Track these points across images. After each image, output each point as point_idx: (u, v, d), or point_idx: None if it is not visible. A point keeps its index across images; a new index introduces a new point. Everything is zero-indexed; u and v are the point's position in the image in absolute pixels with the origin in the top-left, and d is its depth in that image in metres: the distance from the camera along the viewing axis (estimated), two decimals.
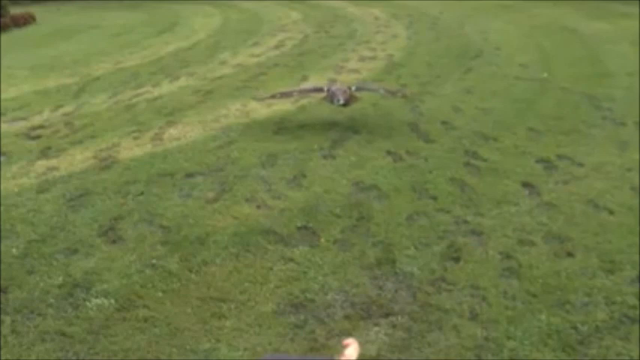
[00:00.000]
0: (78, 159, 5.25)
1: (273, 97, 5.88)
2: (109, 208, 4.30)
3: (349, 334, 2.82)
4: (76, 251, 3.73)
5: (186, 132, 5.83)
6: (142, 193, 4.49)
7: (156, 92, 7.45)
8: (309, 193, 4.41)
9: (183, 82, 7.95)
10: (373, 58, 8.89)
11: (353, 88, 5.68)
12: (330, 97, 5.51)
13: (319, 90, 5.82)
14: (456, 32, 10.84)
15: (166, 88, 7.67)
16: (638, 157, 4.93)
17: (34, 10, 15.08)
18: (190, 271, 3.48)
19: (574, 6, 12.89)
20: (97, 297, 3.26)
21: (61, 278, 3.44)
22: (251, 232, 3.86)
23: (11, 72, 8.82)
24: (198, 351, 2.87)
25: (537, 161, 4.94)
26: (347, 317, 3.07)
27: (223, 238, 3.80)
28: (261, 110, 6.36)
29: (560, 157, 5.03)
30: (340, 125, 5.78)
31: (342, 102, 5.45)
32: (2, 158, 5.36)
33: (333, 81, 7.60)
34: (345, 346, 1.53)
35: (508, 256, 3.56)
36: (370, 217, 4.03)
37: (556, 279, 3.34)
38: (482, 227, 3.89)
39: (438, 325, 3.00)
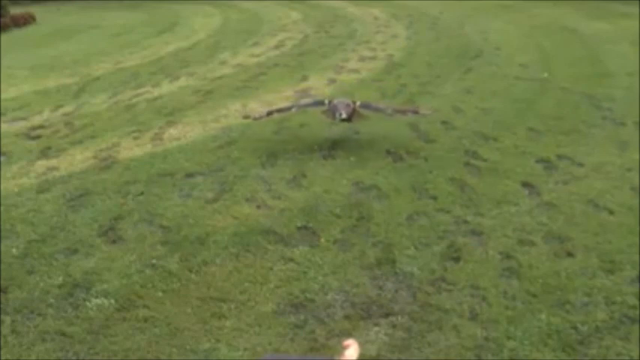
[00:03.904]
0: (78, 159, 5.25)
1: (270, 114, 5.45)
2: (109, 208, 4.29)
3: (349, 334, 2.82)
4: (76, 251, 3.73)
5: (186, 132, 5.83)
6: (142, 193, 4.49)
7: (156, 92, 7.45)
8: (309, 193, 4.41)
9: (183, 82, 7.95)
10: (373, 58, 8.89)
11: (357, 103, 5.25)
12: (332, 111, 5.14)
13: (320, 104, 5.44)
14: (456, 32, 10.84)
15: (166, 88, 7.68)
16: (638, 157, 4.93)
17: (34, 10, 15.07)
18: (190, 271, 3.48)
19: (574, 6, 12.89)
20: (97, 297, 3.26)
21: (61, 278, 3.44)
22: (251, 232, 3.86)
23: (11, 72, 8.82)
24: (198, 351, 2.87)
25: (537, 161, 4.94)
26: (347, 317, 3.07)
27: (223, 238, 3.80)
28: (261, 110, 6.35)
29: (560, 157, 5.03)
30: (340, 125, 5.77)
31: (344, 116, 5.04)
32: (2, 158, 5.36)
33: (333, 80, 7.63)
34: (345, 347, 1.53)
35: (508, 256, 3.56)
36: (370, 217, 4.03)
37: (556, 279, 3.34)
38: (483, 227, 3.89)
39: (438, 325, 2.99)
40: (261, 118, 5.37)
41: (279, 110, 5.48)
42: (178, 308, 3.17)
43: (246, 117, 5.58)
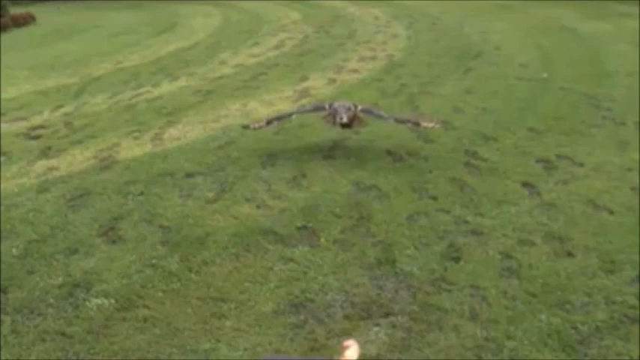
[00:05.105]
0: (78, 159, 5.25)
1: (269, 122, 5.28)
2: (109, 208, 4.30)
3: (349, 334, 2.83)
4: (76, 251, 3.73)
5: (186, 132, 5.83)
6: (142, 193, 4.49)
7: (156, 92, 7.45)
8: (309, 193, 4.41)
9: (183, 82, 7.95)
10: (373, 58, 8.89)
11: (359, 107, 5.08)
12: (332, 115, 5.03)
13: (320, 108, 5.31)
14: (455, 32, 10.84)
15: (166, 88, 7.68)
16: (638, 157, 4.93)
17: (34, 10, 15.09)
18: (190, 271, 3.48)
19: (574, 6, 12.89)
20: (97, 297, 3.26)
21: (61, 278, 3.44)
22: (251, 232, 3.86)
23: (11, 72, 8.82)
24: (198, 351, 2.87)
25: (537, 161, 4.94)
26: (347, 317, 3.07)
27: (223, 238, 3.80)
28: (261, 110, 6.37)
29: (560, 157, 5.03)
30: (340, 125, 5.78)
31: (345, 120, 4.90)
32: (2, 158, 5.36)
33: (333, 80, 7.63)
34: (345, 348, 1.53)
35: (508, 256, 3.56)
36: (370, 217, 4.03)
37: (556, 279, 3.34)
38: (483, 227, 3.89)
39: (438, 325, 3.00)
40: (260, 128, 5.28)
41: (278, 118, 5.36)
42: (178, 308, 3.17)
43: (245, 127, 5.48)
